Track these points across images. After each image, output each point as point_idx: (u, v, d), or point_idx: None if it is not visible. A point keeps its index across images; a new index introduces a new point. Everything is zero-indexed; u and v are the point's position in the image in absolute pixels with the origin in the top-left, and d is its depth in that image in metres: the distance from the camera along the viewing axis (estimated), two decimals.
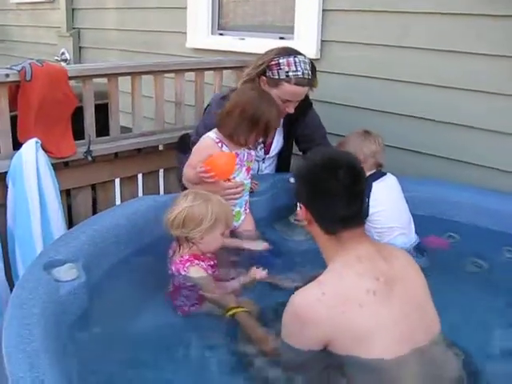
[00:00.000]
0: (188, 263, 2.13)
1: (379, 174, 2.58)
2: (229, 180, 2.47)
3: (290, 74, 2.68)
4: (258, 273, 2.14)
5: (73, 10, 5.89)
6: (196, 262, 2.14)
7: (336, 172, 1.68)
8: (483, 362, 1.81)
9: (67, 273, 1.90)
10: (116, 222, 2.33)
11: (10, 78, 2.80)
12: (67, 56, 5.90)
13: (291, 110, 2.77)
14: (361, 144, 2.58)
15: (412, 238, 2.59)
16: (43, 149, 2.83)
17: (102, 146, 3.25)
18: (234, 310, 1.94)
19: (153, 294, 2.17)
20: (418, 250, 2.56)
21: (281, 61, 2.70)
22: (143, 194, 3.59)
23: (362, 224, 1.78)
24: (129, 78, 3.40)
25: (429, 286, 1.79)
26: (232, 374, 1.76)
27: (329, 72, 3.59)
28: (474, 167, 3.12)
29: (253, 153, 2.60)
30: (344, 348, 1.61)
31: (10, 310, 1.66)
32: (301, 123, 2.98)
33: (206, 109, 3.04)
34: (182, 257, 2.15)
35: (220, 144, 2.46)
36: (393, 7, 3.32)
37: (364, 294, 1.62)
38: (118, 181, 3.51)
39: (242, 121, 2.38)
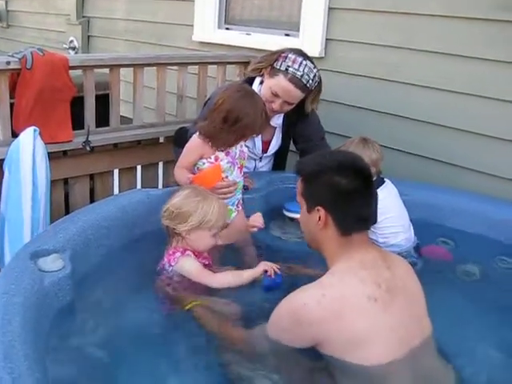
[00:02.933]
0: (179, 253, 2.14)
1: (380, 181, 2.57)
2: (222, 179, 2.45)
3: (290, 69, 2.65)
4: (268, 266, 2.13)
5: None
6: (188, 252, 2.15)
7: (358, 173, 1.71)
8: (469, 370, 1.80)
9: (53, 263, 1.89)
10: (107, 214, 2.32)
11: (11, 66, 2.82)
12: (76, 44, 5.90)
13: (276, 106, 2.71)
14: (361, 153, 2.52)
15: (412, 239, 2.61)
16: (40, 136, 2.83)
17: (101, 137, 3.25)
18: (190, 304, 1.96)
19: (140, 288, 2.16)
20: (418, 251, 2.59)
21: (289, 55, 2.68)
22: (141, 186, 3.59)
23: (370, 227, 1.81)
24: (131, 69, 3.40)
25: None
26: (213, 373, 1.76)
27: (332, 71, 3.57)
28: (476, 173, 3.10)
29: (245, 150, 2.57)
30: (337, 351, 1.61)
31: None
32: (300, 123, 2.95)
33: (205, 103, 3.02)
34: (175, 248, 2.16)
35: (210, 143, 2.42)
36: (400, 8, 3.29)
37: (365, 300, 1.62)
38: (116, 171, 3.52)
39: (223, 124, 2.34)
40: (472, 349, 1.94)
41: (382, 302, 1.63)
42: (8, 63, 2.80)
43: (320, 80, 2.76)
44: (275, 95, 2.69)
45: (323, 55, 3.66)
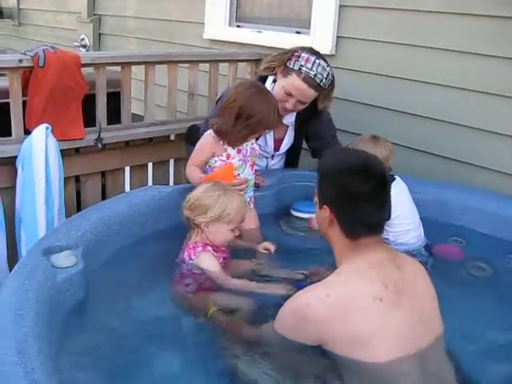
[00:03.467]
0: (200, 248, 2.17)
1: (391, 178, 2.56)
2: (234, 177, 2.46)
3: (303, 68, 2.64)
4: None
5: None
6: (209, 248, 2.18)
7: (370, 177, 1.66)
8: (479, 370, 1.79)
9: (65, 259, 1.91)
10: (119, 210, 2.34)
11: (24, 64, 2.83)
12: (87, 42, 5.93)
13: (290, 106, 2.71)
14: (372, 150, 2.51)
15: (422, 238, 2.60)
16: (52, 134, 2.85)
17: (113, 134, 3.27)
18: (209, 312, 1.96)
19: (152, 284, 2.18)
20: (428, 250, 2.58)
21: (302, 54, 2.67)
22: (153, 183, 3.61)
23: (382, 231, 1.77)
24: (143, 66, 3.41)
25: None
26: (222, 370, 1.76)
27: (343, 68, 3.56)
28: (485, 170, 3.08)
29: (256, 147, 2.58)
30: (342, 350, 1.61)
31: (4, 293, 1.68)
32: (313, 121, 2.95)
33: (217, 101, 3.02)
34: (195, 243, 2.19)
35: (221, 141, 2.44)
36: (410, 6, 3.28)
37: (370, 300, 1.61)
38: (128, 169, 3.53)
39: (236, 121, 2.35)
40: (483, 348, 1.93)
41: (389, 302, 1.62)
42: (20, 61, 2.81)
43: (333, 78, 2.76)
44: (289, 94, 2.69)
45: (334, 53, 3.65)
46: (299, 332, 1.66)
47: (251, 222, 2.55)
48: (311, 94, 2.70)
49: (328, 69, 2.71)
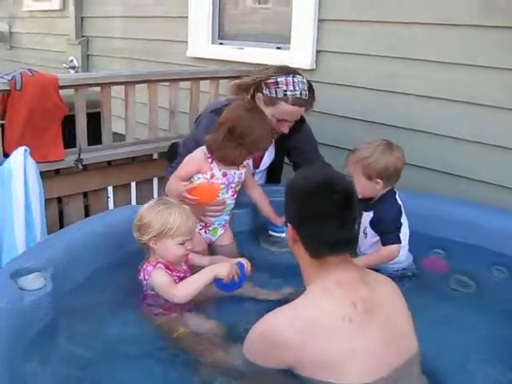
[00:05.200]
0: (151, 267, 2.12)
1: (393, 192, 2.48)
2: (215, 198, 2.44)
3: (288, 93, 2.65)
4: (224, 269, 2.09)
5: (82, 18, 5.97)
6: (159, 265, 2.12)
7: (331, 195, 1.62)
8: None
9: (33, 282, 1.89)
10: (94, 231, 2.33)
11: (0, 87, 2.84)
12: (76, 63, 5.96)
13: (286, 129, 2.73)
14: (388, 160, 2.40)
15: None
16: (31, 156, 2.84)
17: (93, 155, 3.27)
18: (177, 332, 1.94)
19: (125, 306, 2.14)
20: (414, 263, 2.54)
21: (279, 79, 2.67)
22: (136, 203, 3.60)
23: (350, 250, 1.73)
24: (123, 86, 3.42)
25: (412, 305, 1.76)
26: None
27: (324, 82, 3.57)
28: (469, 181, 3.07)
29: (243, 177, 2.55)
30: (313, 374, 1.57)
31: None
32: (293, 136, 2.93)
33: (196, 120, 3.01)
34: (148, 263, 2.14)
35: (210, 160, 2.43)
36: (388, 18, 3.29)
37: (339, 321, 1.58)
38: (111, 189, 3.53)
39: (229, 138, 2.34)
40: (466, 363, 1.89)
41: (358, 322, 1.59)
42: None
43: (310, 85, 2.77)
44: (282, 120, 2.71)
45: (314, 67, 3.66)
46: (268, 357, 1.63)
47: (226, 239, 2.56)
48: (302, 111, 2.75)
49: (305, 80, 2.73)
